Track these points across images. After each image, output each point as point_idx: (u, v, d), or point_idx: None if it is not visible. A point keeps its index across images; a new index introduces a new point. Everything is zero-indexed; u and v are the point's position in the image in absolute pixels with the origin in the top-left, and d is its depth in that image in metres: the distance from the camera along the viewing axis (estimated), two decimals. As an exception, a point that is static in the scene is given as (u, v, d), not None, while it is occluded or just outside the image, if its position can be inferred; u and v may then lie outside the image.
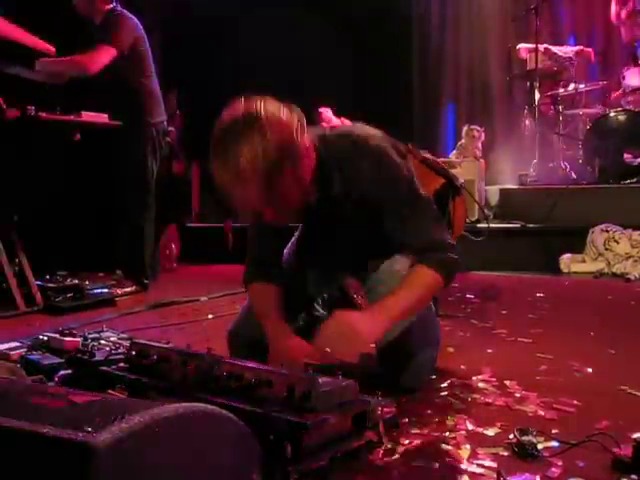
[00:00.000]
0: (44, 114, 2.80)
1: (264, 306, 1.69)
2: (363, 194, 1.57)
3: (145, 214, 3.52)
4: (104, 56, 3.20)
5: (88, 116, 3.00)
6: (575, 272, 4.00)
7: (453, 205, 2.04)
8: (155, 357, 1.32)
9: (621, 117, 4.70)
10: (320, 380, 1.09)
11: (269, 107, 1.42)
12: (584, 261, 4.06)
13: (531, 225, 4.35)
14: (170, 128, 3.68)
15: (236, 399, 1.11)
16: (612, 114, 4.72)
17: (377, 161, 1.54)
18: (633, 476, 1.00)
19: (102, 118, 3.06)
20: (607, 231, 4.06)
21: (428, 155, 2.09)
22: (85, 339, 1.77)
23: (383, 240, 1.72)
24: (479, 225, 4.36)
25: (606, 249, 4.01)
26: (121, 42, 3.28)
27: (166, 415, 0.63)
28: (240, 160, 1.33)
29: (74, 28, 3.48)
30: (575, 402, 1.53)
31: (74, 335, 1.77)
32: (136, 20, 3.43)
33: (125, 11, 3.41)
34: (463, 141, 4.92)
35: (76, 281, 3.14)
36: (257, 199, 1.39)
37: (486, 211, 4.79)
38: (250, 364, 1.22)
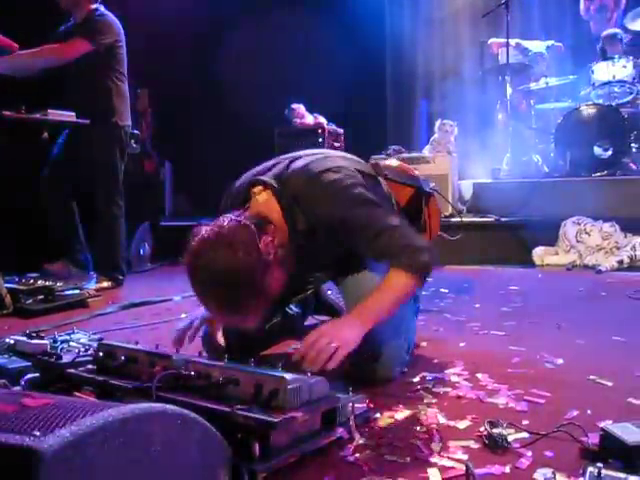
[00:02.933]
0: (8, 112, 2.74)
1: None
2: (326, 226, 1.61)
3: (115, 211, 3.54)
4: (79, 46, 3.23)
5: (55, 114, 2.94)
6: (548, 264, 4.05)
7: (427, 210, 2.07)
8: (123, 358, 1.30)
9: (591, 111, 4.76)
10: (288, 377, 1.08)
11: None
12: (557, 253, 4.11)
13: (505, 219, 4.39)
14: (135, 131, 3.68)
15: (203, 398, 1.10)
16: (582, 108, 4.78)
17: (330, 198, 1.57)
18: (599, 464, 1.01)
19: (69, 117, 3.01)
20: (579, 223, 4.11)
21: (395, 162, 2.13)
22: (54, 341, 1.73)
23: (358, 259, 1.73)
24: (453, 220, 4.40)
25: (578, 241, 4.06)
26: (100, 40, 3.31)
27: (121, 417, 0.62)
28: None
29: (38, 25, 3.42)
30: (545, 393, 1.54)
31: (42, 337, 1.73)
32: (118, 23, 3.46)
33: (109, 13, 3.45)
34: (436, 136, 4.94)
35: (47, 283, 3.09)
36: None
37: (459, 206, 4.83)
38: (218, 363, 1.20)
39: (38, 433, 0.54)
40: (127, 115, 3.55)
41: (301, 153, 1.75)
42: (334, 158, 1.71)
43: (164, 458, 0.70)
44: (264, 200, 1.61)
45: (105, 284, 3.48)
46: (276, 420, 1.00)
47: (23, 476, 0.51)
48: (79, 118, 3.25)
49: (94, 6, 3.40)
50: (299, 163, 1.66)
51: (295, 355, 1.44)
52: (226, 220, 1.45)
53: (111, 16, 3.42)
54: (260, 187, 1.64)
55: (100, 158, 3.45)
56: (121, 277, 3.59)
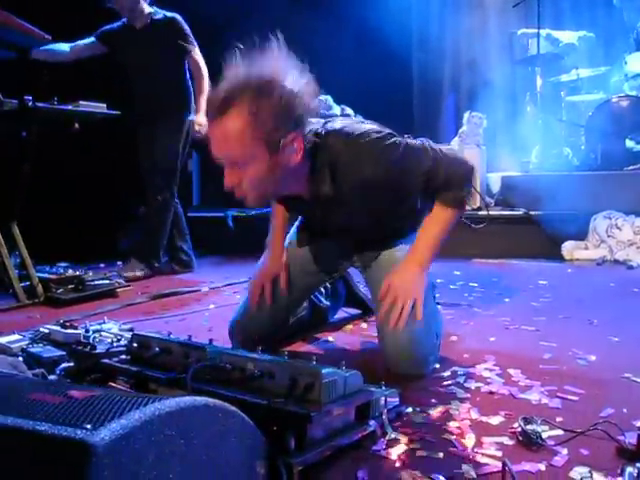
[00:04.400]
0: (41, 104, 2.78)
1: (274, 223, 1.97)
2: (360, 186, 1.57)
3: (170, 200, 3.66)
4: (201, 58, 3.59)
5: (86, 106, 2.97)
6: (578, 259, 3.98)
7: None
8: (157, 349, 1.31)
9: (623, 103, 4.65)
10: (323, 371, 1.08)
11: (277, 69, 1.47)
12: (587, 248, 4.04)
13: (533, 212, 4.32)
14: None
15: (239, 391, 1.11)
16: (614, 100, 4.68)
17: (372, 153, 1.55)
18: (638, 464, 0.99)
19: (100, 108, 3.03)
20: (610, 218, 4.04)
21: None
22: (86, 331, 1.76)
23: (381, 229, 1.74)
24: (480, 213, 4.35)
25: (608, 236, 3.99)
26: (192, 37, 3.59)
27: (167, 410, 0.62)
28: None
29: (66, 16, 3.47)
30: (579, 390, 1.52)
31: (75, 327, 1.76)
32: None
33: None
34: (465, 128, 4.87)
35: (77, 272, 3.14)
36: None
37: (487, 199, 4.77)
38: (252, 355, 1.21)
39: (89, 426, 0.54)
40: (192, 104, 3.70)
41: (327, 119, 1.70)
42: (366, 122, 1.67)
43: (206, 451, 0.71)
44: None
45: (139, 273, 3.55)
46: (312, 413, 1.00)
47: (75, 469, 0.52)
48: (153, 111, 3.51)
49: (151, 9, 3.56)
50: (333, 126, 1.61)
51: (379, 316, 1.64)
52: None
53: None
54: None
55: (170, 146, 3.59)
56: (157, 264, 3.67)
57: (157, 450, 0.59)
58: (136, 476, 0.56)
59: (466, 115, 4.89)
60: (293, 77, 1.46)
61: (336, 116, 4.88)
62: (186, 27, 3.58)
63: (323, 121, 1.66)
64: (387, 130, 1.63)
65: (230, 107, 1.39)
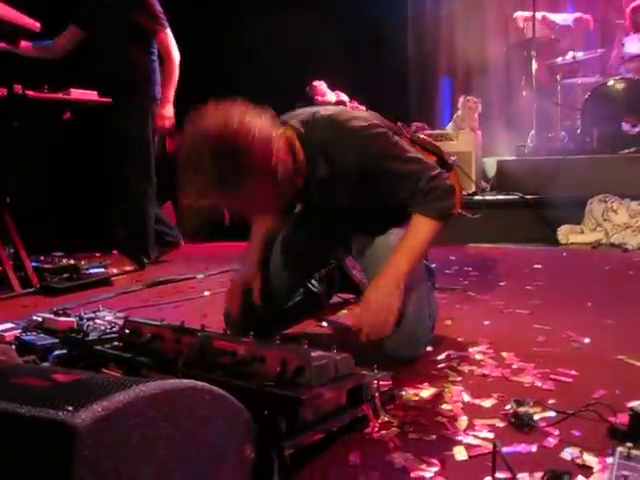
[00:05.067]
0: (31, 92, 2.76)
1: (259, 235, 1.92)
2: (351, 172, 1.62)
3: (149, 190, 3.52)
4: (170, 38, 3.41)
5: (77, 94, 2.95)
6: (573, 243, 3.99)
7: None
8: (148, 335, 1.31)
9: (620, 85, 4.63)
10: (314, 354, 1.08)
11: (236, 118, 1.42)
12: (582, 232, 4.05)
13: (529, 196, 4.31)
14: None
15: (229, 375, 1.10)
16: (611, 82, 4.65)
17: (360, 138, 1.59)
18: (628, 444, 1.00)
19: (92, 95, 3.01)
20: (605, 201, 4.04)
21: (420, 134, 2.13)
22: (81, 319, 1.76)
23: (376, 214, 1.74)
24: (476, 197, 4.35)
25: (604, 219, 3.99)
26: (164, 17, 3.40)
27: (152, 392, 0.62)
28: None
29: (56, 3, 3.42)
30: (572, 372, 1.53)
31: (69, 315, 1.76)
32: None
33: None
34: (460, 112, 4.85)
35: (72, 261, 3.14)
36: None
37: (483, 183, 4.77)
38: (243, 340, 1.21)
39: (71, 408, 0.54)
40: (159, 89, 3.50)
41: (322, 107, 1.74)
42: (358, 112, 1.72)
43: (193, 434, 0.70)
44: (287, 135, 1.59)
45: (128, 267, 3.43)
46: (303, 396, 1.00)
47: (57, 450, 0.51)
48: (113, 92, 3.23)
49: None
50: (325, 112, 1.65)
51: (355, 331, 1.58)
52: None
53: None
54: (286, 128, 1.60)
55: (135, 133, 3.42)
56: (146, 260, 3.54)
57: (141, 432, 0.59)
58: (119, 458, 0.56)
59: (461, 99, 4.87)
60: (255, 121, 1.44)
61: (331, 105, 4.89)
62: (156, 5, 3.37)
63: (314, 110, 1.68)
64: (376, 121, 1.65)
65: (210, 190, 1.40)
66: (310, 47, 5.40)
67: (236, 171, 1.38)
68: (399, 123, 1.94)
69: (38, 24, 2.75)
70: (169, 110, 3.38)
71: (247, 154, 1.38)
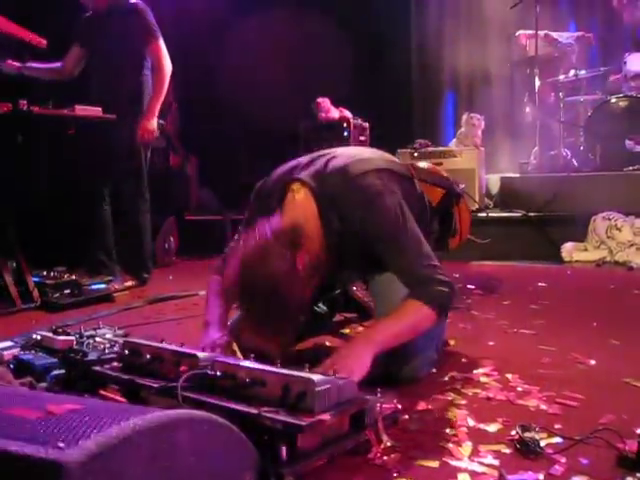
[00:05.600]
0: (37, 108, 2.76)
1: (217, 293, 1.79)
2: (358, 231, 1.61)
3: (142, 205, 3.45)
4: (163, 48, 3.32)
5: (82, 110, 2.95)
6: (577, 261, 3.96)
7: (457, 211, 2.06)
8: (148, 356, 1.29)
9: (622, 103, 4.64)
10: (316, 379, 1.06)
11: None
12: (586, 249, 4.02)
13: (532, 214, 4.30)
14: (161, 121, 3.58)
15: (230, 399, 1.08)
16: (613, 100, 4.66)
17: (366, 205, 1.58)
18: (638, 474, 0.97)
19: (96, 112, 3.01)
20: (609, 219, 4.02)
21: (426, 164, 2.13)
22: (80, 337, 1.74)
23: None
24: (479, 215, 4.33)
25: (608, 237, 3.97)
26: (157, 28, 3.32)
27: (148, 426, 0.60)
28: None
29: (62, 21, 3.43)
30: (578, 396, 1.50)
31: (68, 333, 1.74)
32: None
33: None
34: (463, 129, 4.86)
35: (73, 277, 3.12)
36: None
37: (486, 200, 4.76)
38: (244, 363, 1.19)
39: (62, 445, 0.52)
40: None
41: (338, 151, 1.73)
42: (372, 160, 1.69)
43: (191, 465, 0.68)
44: (301, 199, 1.61)
45: (130, 283, 3.38)
46: (304, 423, 0.98)
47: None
48: (104, 107, 3.16)
49: None
50: (338, 162, 1.64)
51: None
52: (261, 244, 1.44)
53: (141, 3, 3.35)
54: (298, 185, 1.62)
55: (126, 147, 3.34)
56: (147, 275, 3.51)
57: (139, 467, 0.57)
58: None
59: (464, 116, 4.88)
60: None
61: (338, 130, 4.89)
62: (149, 15, 3.31)
63: (326, 158, 1.68)
64: (389, 177, 1.64)
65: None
66: (314, 64, 5.43)
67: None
68: (409, 164, 1.96)
69: (44, 41, 2.76)
70: (153, 123, 3.29)
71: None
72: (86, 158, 3.42)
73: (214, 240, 4.76)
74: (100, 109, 3.05)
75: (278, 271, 1.40)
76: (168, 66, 3.36)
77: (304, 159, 1.76)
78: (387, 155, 1.85)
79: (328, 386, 1.07)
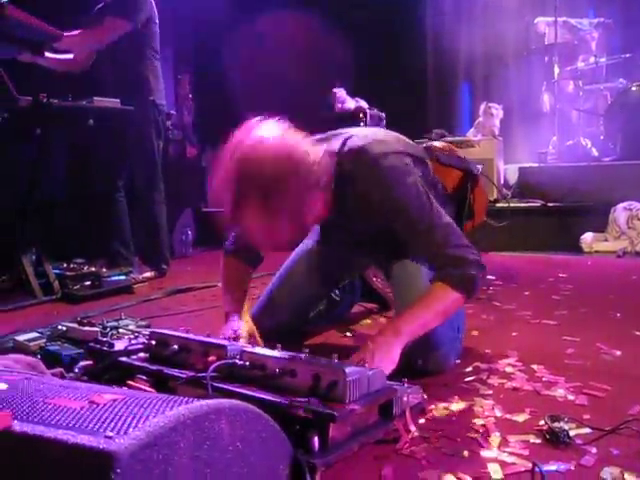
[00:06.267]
0: (56, 101, 2.77)
1: (232, 281, 1.80)
2: (374, 213, 1.56)
3: (156, 197, 3.45)
4: (118, 28, 3.13)
5: (100, 102, 2.96)
6: (597, 251, 3.93)
7: (473, 194, 2.02)
8: (175, 347, 1.30)
9: (643, 91, 4.57)
10: (347, 369, 1.06)
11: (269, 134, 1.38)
12: (606, 240, 3.98)
13: (551, 204, 4.26)
14: (172, 111, 3.55)
15: (259, 389, 1.08)
16: (634, 88, 4.59)
17: (387, 184, 1.52)
18: (672, 464, 0.96)
19: (114, 103, 3.01)
20: (630, 209, 3.98)
21: (441, 144, 2.08)
22: (104, 328, 1.75)
23: (401, 248, 1.68)
24: (498, 205, 4.30)
25: (629, 227, 3.93)
26: (137, 17, 3.19)
27: (193, 415, 0.60)
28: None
29: (76, 14, 3.42)
30: (605, 387, 1.49)
31: (92, 324, 1.75)
32: None
33: None
34: (481, 119, 4.82)
35: (93, 269, 3.14)
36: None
37: (504, 191, 4.72)
38: (273, 353, 1.19)
39: (112, 434, 0.52)
40: (162, 94, 3.42)
41: (353, 131, 1.67)
42: (390, 142, 1.64)
43: (232, 454, 0.69)
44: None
45: (149, 274, 3.41)
46: (336, 413, 0.98)
47: (97, 478, 0.50)
48: (115, 98, 3.13)
49: None
50: (356, 142, 1.59)
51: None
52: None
53: None
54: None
55: (137, 138, 3.33)
56: (165, 266, 3.52)
57: (184, 456, 0.57)
58: (160, 484, 0.54)
59: (482, 106, 4.84)
60: (300, 148, 1.38)
61: (354, 120, 4.85)
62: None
63: (344, 136, 1.63)
64: (407, 160, 1.59)
65: (243, 209, 1.34)
66: (331, 55, 5.41)
67: (278, 204, 1.33)
68: (425, 145, 1.91)
69: (62, 33, 2.76)
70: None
71: (291, 188, 1.34)
72: (101, 149, 3.42)
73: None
74: (118, 101, 3.05)
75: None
76: (105, 37, 3.16)
77: (317, 136, 1.72)
78: (402, 137, 1.79)
79: (358, 376, 1.07)
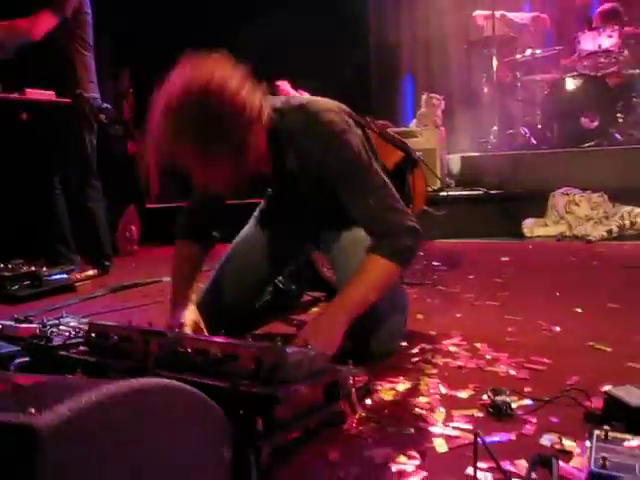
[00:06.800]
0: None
1: (182, 269, 1.75)
2: (316, 171, 1.55)
3: (90, 193, 3.34)
4: (47, 22, 2.99)
5: (33, 93, 2.84)
6: (538, 236, 4.05)
7: (412, 179, 2.03)
8: (115, 337, 1.26)
9: (577, 82, 4.74)
10: (289, 350, 1.05)
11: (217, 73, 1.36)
12: (546, 225, 4.11)
13: (493, 191, 4.37)
14: (105, 105, 3.41)
15: (202, 375, 1.07)
16: (568, 79, 4.75)
17: (329, 140, 1.51)
18: (605, 427, 1.00)
19: (49, 95, 2.90)
20: (567, 194, 4.11)
21: (386, 127, 2.08)
22: (43, 325, 1.69)
23: (343, 211, 1.69)
24: (441, 194, 4.38)
25: (567, 212, 4.06)
26: (66, 6, 3.05)
27: (120, 391, 0.58)
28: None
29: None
30: (545, 360, 1.53)
31: (31, 322, 1.69)
32: None
33: None
34: (423, 110, 4.89)
35: (32, 268, 3.03)
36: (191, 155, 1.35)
37: (447, 180, 4.80)
38: (215, 338, 1.17)
39: (33, 410, 0.50)
40: (93, 87, 3.28)
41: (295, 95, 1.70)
42: (331, 102, 1.63)
43: (166, 435, 0.67)
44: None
45: (91, 272, 3.31)
46: (279, 394, 0.97)
47: (19, 455, 0.47)
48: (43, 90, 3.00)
49: None
50: (297, 100, 1.59)
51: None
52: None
53: None
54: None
55: (66, 133, 3.21)
56: (107, 263, 3.44)
57: (111, 433, 0.55)
58: (87, 462, 0.52)
59: (424, 97, 4.90)
60: (236, 80, 1.37)
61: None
62: None
63: (286, 97, 1.63)
64: (347, 119, 1.58)
65: (179, 146, 1.33)
66: (272, 47, 5.38)
67: (216, 137, 1.32)
68: (367, 117, 1.91)
69: None
70: None
71: (230, 122, 1.32)
72: (33, 144, 3.28)
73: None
74: (53, 92, 2.93)
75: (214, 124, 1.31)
76: (35, 32, 3.00)
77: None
78: (344, 105, 1.80)
79: (300, 357, 1.07)
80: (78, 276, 3.18)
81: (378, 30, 6.06)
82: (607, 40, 4.81)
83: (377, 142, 1.84)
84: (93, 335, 1.32)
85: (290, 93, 5.17)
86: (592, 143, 4.54)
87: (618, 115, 4.69)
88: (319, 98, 1.66)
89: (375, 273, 1.50)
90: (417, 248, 1.53)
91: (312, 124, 1.52)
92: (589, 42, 4.89)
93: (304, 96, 1.67)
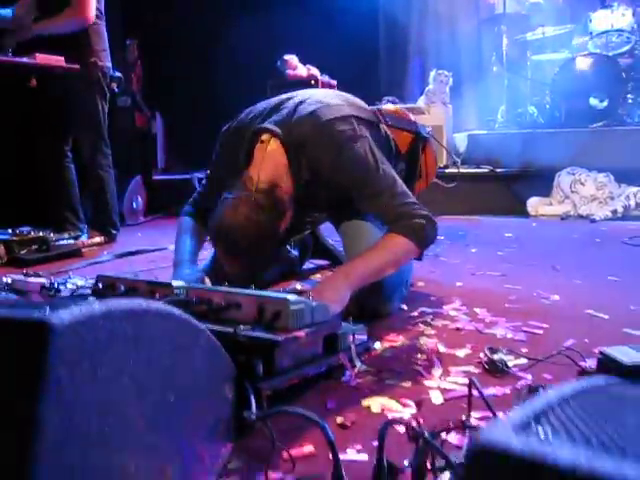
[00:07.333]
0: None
1: (186, 233, 1.83)
2: (327, 178, 1.62)
3: (101, 161, 3.35)
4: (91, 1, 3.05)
5: (43, 59, 2.84)
6: (542, 215, 4.05)
7: (424, 156, 2.06)
8: (122, 288, 1.29)
9: (587, 61, 4.69)
10: (291, 299, 1.08)
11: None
12: (551, 204, 4.11)
13: (499, 170, 4.37)
14: (118, 74, 3.42)
15: (206, 323, 1.09)
16: (578, 58, 4.71)
17: (337, 149, 1.58)
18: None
19: (59, 61, 2.90)
20: (573, 174, 4.11)
21: (392, 107, 2.11)
22: (51, 282, 1.72)
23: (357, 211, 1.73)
24: (448, 170, 4.37)
25: (572, 191, 4.06)
26: None
27: (130, 308, 0.60)
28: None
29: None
30: (543, 325, 1.56)
31: (39, 276, 1.72)
32: None
33: None
34: (431, 86, 4.86)
35: (41, 234, 3.07)
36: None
37: (454, 157, 4.79)
38: (219, 288, 1.20)
39: (48, 309, 0.52)
40: (106, 55, 3.28)
41: (306, 94, 1.71)
42: (340, 106, 1.67)
43: (171, 360, 0.70)
44: (272, 150, 1.58)
45: (97, 239, 3.35)
46: (280, 339, 1.00)
47: (33, 349, 0.50)
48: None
49: None
50: (306, 108, 1.63)
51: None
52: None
53: None
54: (267, 135, 1.60)
55: (79, 100, 3.21)
56: (114, 231, 3.47)
57: (119, 345, 0.57)
58: (98, 362, 0.54)
59: (432, 73, 4.88)
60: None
61: (306, 87, 4.82)
62: None
63: (294, 101, 1.67)
64: (356, 123, 1.63)
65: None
66: (282, 22, 5.35)
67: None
68: (375, 108, 1.93)
69: None
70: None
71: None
72: (45, 111, 3.30)
73: (182, 199, 4.72)
74: (62, 58, 2.93)
75: (260, 231, 1.47)
76: (89, 17, 3.08)
77: (273, 101, 1.75)
78: (352, 98, 1.83)
79: (302, 306, 1.09)
80: (85, 242, 3.21)
81: (388, 6, 6.00)
82: (620, 19, 4.76)
83: (390, 131, 1.90)
84: (100, 286, 1.35)
85: (298, 67, 5.17)
86: (600, 123, 4.51)
87: (628, 96, 4.65)
88: (329, 100, 1.69)
89: (392, 249, 1.54)
90: (433, 231, 1.59)
91: (321, 136, 1.58)
92: (602, 21, 4.84)
93: (314, 98, 1.69)
